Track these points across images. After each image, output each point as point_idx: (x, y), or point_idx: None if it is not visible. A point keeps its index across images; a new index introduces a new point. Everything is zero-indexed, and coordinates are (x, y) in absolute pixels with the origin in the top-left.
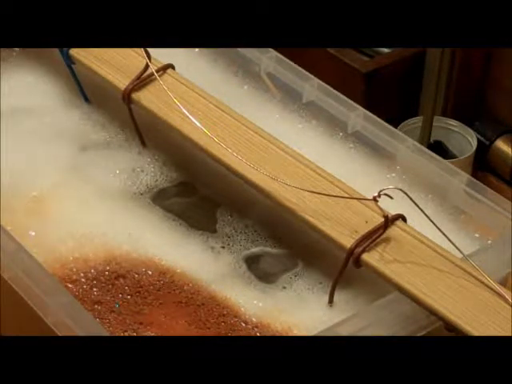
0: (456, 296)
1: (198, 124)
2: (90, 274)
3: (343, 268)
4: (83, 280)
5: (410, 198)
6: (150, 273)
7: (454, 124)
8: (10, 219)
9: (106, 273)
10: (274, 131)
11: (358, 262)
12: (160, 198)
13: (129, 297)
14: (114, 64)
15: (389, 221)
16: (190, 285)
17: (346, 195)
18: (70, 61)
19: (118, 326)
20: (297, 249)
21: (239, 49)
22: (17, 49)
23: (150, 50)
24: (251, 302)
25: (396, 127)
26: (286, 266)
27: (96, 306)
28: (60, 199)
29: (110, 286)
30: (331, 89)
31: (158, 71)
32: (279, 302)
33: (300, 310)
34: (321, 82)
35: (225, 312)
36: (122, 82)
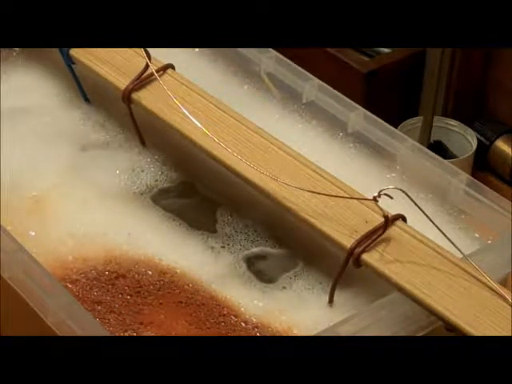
0: (456, 296)
1: (198, 124)
2: (90, 274)
3: (343, 268)
4: (83, 280)
5: (410, 198)
6: (150, 273)
7: (453, 124)
8: (10, 219)
9: (106, 273)
10: (273, 131)
11: (358, 262)
12: (160, 198)
13: (129, 297)
14: (114, 64)
15: (389, 221)
16: (190, 285)
17: (346, 195)
18: (70, 61)
19: (118, 326)
20: (297, 249)
21: (239, 49)
22: (17, 49)
23: (149, 49)
24: (251, 302)
25: (396, 127)
26: (286, 266)
27: (96, 306)
28: (60, 199)
29: (110, 286)
30: (331, 89)
31: (158, 71)
32: (279, 302)
33: (300, 310)
34: (321, 82)
35: (225, 312)
36: (122, 82)
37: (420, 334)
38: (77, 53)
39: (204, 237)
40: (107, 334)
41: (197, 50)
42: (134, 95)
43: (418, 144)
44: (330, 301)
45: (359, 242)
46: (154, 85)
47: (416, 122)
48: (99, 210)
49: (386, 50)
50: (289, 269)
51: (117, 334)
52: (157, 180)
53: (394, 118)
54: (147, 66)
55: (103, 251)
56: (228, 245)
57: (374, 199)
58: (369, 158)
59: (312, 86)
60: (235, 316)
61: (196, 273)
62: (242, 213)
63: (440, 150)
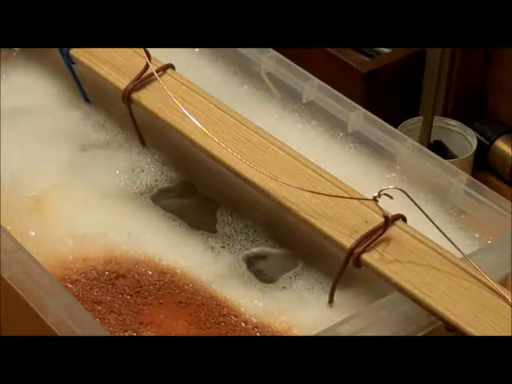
0: (456, 296)
1: (198, 124)
2: (90, 274)
3: (343, 268)
4: (83, 280)
5: (410, 198)
6: (150, 273)
7: (453, 124)
8: (10, 219)
9: (106, 273)
10: (273, 131)
11: (358, 262)
12: (160, 198)
13: (129, 297)
14: (114, 64)
15: (389, 221)
16: (190, 285)
17: (346, 195)
18: (70, 61)
19: (118, 326)
20: (297, 249)
21: (239, 49)
22: (17, 49)
23: (150, 49)
24: (251, 302)
25: (396, 127)
26: (286, 265)
27: (96, 306)
28: (60, 199)
29: (110, 286)
30: (331, 89)
31: (158, 71)
32: (279, 302)
33: (300, 310)
34: (321, 82)
35: (225, 312)
36: (122, 82)
37: (420, 334)
38: (77, 53)
39: (204, 237)
40: (107, 334)
41: (197, 50)
42: (134, 95)
43: (417, 144)
44: (330, 301)
45: (359, 242)
46: (154, 85)
47: (416, 122)
48: (99, 210)
49: (386, 50)
50: (289, 269)
51: (117, 334)
52: (157, 180)
53: (394, 118)
54: (147, 66)
55: (103, 251)
56: (228, 245)
57: (374, 199)
58: (369, 157)
59: (312, 86)
60: (235, 316)
61: (196, 273)
62: (242, 213)
63: (440, 150)
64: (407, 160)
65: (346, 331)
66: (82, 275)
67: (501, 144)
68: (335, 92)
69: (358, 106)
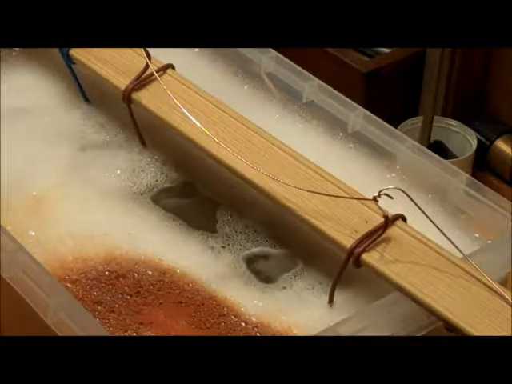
0: (456, 296)
1: (198, 124)
2: (89, 274)
3: (343, 268)
4: (83, 280)
5: (410, 198)
6: (149, 273)
7: (453, 124)
8: (10, 219)
9: (106, 273)
10: (273, 131)
11: (358, 262)
12: (160, 198)
13: (129, 297)
14: (114, 64)
15: (389, 221)
16: (190, 285)
17: (346, 195)
18: (70, 61)
19: (118, 326)
20: (297, 249)
21: (239, 49)
22: (17, 49)
23: (149, 49)
24: (251, 302)
25: (396, 127)
26: (286, 265)
27: (96, 306)
28: (60, 199)
29: (110, 286)
30: (331, 89)
31: (158, 71)
32: (279, 302)
33: (300, 310)
34: (321, 82)
35: (225, 312)
36: (122, 82)
37: (420, 334)
38: (77, 53)
39: (204, 237)
40: (107, 334)
41: (197, 50)
42: (134, 95)
43: (417, 144)
44: (330, 301)
45: (359, 242)
46: (153, 85)
47: (416, 122)
48: (99, 210)
49: (386, 50)
50: (289, 269)
51: (117, 334)
52: (157, 180)
53: (394, 118)
54: (147, 66)
55: (103, 251)
56: (228, 245)
57: (374, 199)
58: (369, 157)
59: (312, 86)
60: (235, 316)
61: (196, 273)
62: (242, 213)
63: (440, 150)
64: (407, 160)
65: (345, 331)
66: (82, 275)
67: (501, 144)
68: (335, 92)
69: (358, 106)
